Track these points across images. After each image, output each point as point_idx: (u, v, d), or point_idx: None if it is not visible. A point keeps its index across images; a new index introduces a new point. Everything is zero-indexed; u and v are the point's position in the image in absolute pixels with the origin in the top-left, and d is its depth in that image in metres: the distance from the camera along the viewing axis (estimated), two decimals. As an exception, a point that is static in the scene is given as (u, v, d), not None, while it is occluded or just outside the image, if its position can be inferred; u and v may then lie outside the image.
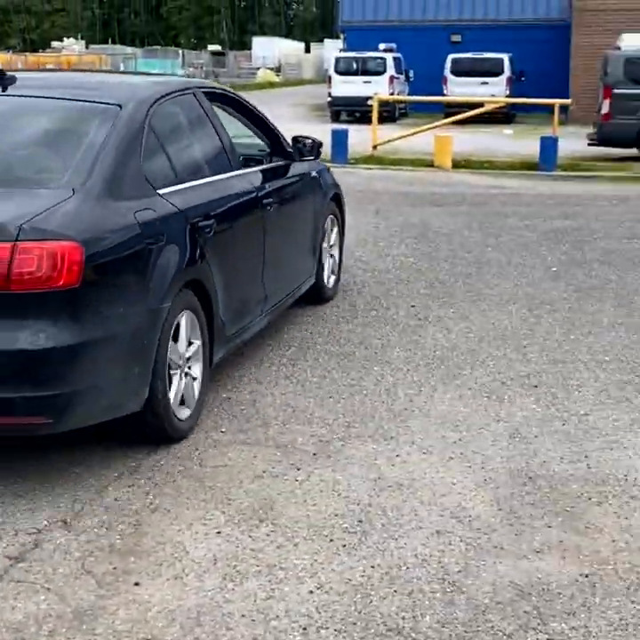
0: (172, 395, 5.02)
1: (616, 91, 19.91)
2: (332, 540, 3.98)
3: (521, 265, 8.98)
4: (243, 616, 3.46)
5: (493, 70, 32.82)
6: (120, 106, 5.28)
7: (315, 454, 4.83)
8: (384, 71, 32.96)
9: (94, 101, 5.39)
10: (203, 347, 5.35)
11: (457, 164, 17.48)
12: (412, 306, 7.62)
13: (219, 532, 4.05)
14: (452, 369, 6.14)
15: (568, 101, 21.86)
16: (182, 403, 5.16)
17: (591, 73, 27.89)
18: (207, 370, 5.44)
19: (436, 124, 20.80)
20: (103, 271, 4.58)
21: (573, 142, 20.33)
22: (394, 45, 34.75)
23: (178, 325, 5.08)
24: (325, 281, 7.89)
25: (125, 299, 4.71)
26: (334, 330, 7.00)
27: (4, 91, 5.47)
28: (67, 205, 4.58)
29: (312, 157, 7.48)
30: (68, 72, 7.20)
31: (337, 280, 8.20)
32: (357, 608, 3.51)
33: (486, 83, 32.23)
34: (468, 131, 23.40)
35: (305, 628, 3.38)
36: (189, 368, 5.25)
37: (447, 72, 32.98)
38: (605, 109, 20.04)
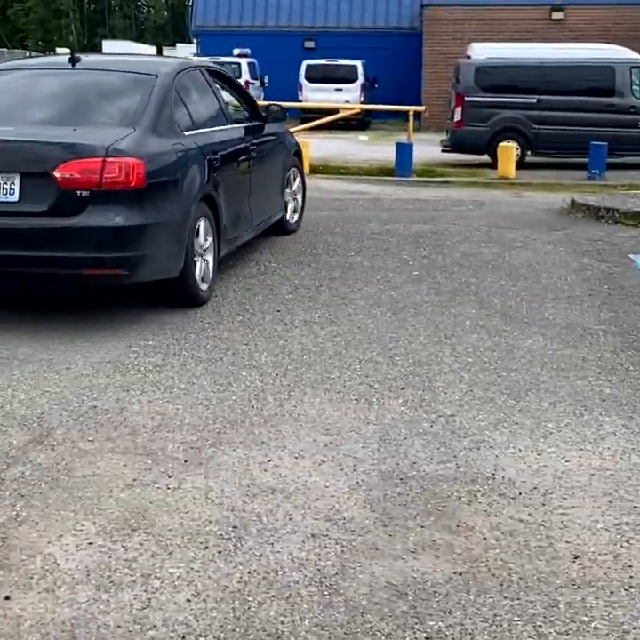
0: (196, 273, 7.64)
1: (468, 98, 20.42)
2: (207, 548, 3.94)
3: (384, 269, 9.09)
4: (119, 627, 3.39)
5: (347, 77, 33.24)
6: (156, 75, 7.93)
7: (186, 461, 4.78)
8: (239, 76, 32.98)
9: (139, 72, 8.09)
10: (214, 243, 7.99)
11: (315, 170, 17.59)
12: (278, 311, 7.62)
13: (90, 543, 3.96)
14: (320, 373, 6.16)
15: (421, 108, 22.29)
16: (203, 279, 7.79)
17: (442, 81, 28.52)
18: (216, 259, 8.09)
19: (293, 129, 20.89)
20: (157, 180, 7.12)
21: (427, 148, 20.73)
22: (248, 51, 34.81)
23: (199, 227, 7.65)
24: (288, 218, 10.67)
25: (170, 200, 7.28)
26: (201, 336, 6.94)
27: (73, 67, 8.17)
28: (131, 136, 7.18)
29: (281, 119, 10.21)
30: (113, 55, 9.98)
31: (299, 219, 11.02)
32: (236, 614, 3.48)
33: (341, 89, 32.60)
34: (324, 137, 23.60)
35: (183, 637, 3.34)
36: (206, 256, 7.86)
37: (302, 78, 33.23)
38: (457, 117, 20.52)
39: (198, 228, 7.65)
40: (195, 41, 41.56)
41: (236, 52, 34.25)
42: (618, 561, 3.88)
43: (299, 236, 10.59)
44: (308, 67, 33.37)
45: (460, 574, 3.78)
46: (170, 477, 4.59)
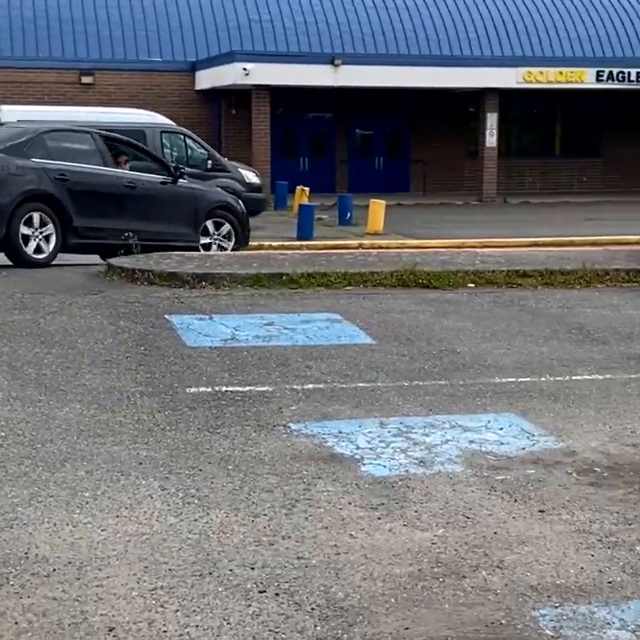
0: (29, 247, 12.97)
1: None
2: None
3: None
4: None
5: None
6: (32, 129, 13.79)
7: None
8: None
9: (25, 128, 14.04)
10: (55, 229, 13.12)
11: None
12: None
13: None
14: None
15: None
16: (37, 251, 13.11)
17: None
18: (59, 240, 13.18)
19: None
20: None
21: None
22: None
23: (32, 216, 12.93)
24: (207, 249, 14.81)
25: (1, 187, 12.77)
26: None
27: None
28: None
29: (183, 177, 14.80)
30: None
31: (234, 247, 15.09)
32: None
33: None
34: None
35: None
36: (45, 238, 13.04)
37: None
38: None
39: (31, 216, 12.95)
40: None
41: None
42: (152, 628, 3.85)
43: None
44: None
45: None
46: None
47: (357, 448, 6.21)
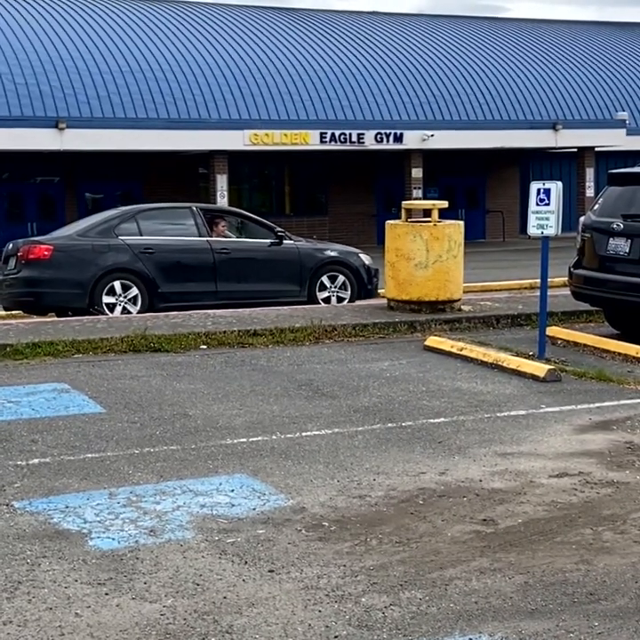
0: (115, 311, 14.68)
1: None
2: None
3: None
4: None
5: None
6: (122, 211, 16.29)
7: None
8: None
9: (120, 210, 16.53)
10: (141, 296, 14.93)
11: None
12: None
13: None
14: None
15: None
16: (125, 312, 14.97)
17: None
18: (145, 305, 14.89)
19: None
20: (62, 255, 14.97)
21: None
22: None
23: (113, 285, 14.83)
24: (328, 302, 16.08)
25: (73, 266, 14.89)
26: None
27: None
28: (59, 234, 16.15)
29: (286, 239, 16.27)
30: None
31: (351, 298, 16.42)
32: None
33: None
34: None
35: None
36: (127, 303, 14.82)
37: None
38: None
39: (113, 285, 14.78)
40: None
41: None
42: None
43: None
44: None
45: None
46: None
47: (85, 522, 6.04)
